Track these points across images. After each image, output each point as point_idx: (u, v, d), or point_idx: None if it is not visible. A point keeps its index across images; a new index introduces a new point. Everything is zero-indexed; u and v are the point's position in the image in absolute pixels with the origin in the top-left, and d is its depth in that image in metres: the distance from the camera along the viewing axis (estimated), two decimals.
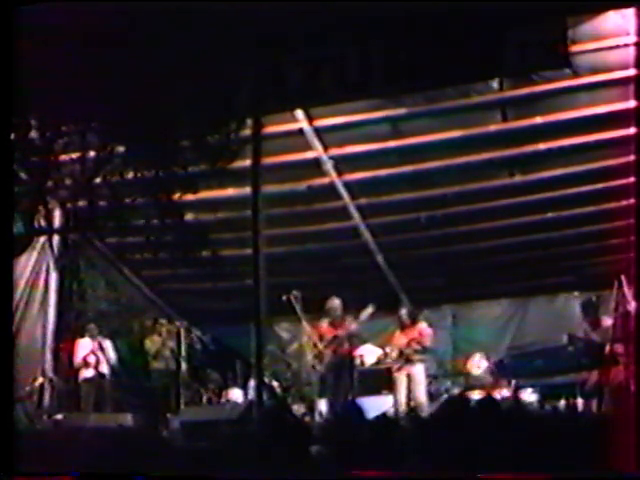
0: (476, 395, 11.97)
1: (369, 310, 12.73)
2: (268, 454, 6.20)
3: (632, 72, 10.81)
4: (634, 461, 5.53)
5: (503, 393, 12.77)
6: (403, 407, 12.24)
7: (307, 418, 12.59)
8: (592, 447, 5.48)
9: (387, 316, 14.24)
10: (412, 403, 12.31)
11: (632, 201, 11.85)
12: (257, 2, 9.25)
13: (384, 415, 8.76)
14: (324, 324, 12.91)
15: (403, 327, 12.85)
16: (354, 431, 6.53)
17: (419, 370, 12.58)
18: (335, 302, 12.89)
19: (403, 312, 12.94)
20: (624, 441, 5.59)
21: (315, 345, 12.78)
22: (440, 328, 14.09)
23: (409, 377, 12.52)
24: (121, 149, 10.50)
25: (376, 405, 11.60)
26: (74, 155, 10.71)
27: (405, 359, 12.58)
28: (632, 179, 11.61)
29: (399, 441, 6.32)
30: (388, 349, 13.35)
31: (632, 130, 11.14)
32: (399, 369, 12.64)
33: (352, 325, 12.76)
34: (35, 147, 10.20)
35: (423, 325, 12.89)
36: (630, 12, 9.81)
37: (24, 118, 9.86)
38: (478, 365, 13.82)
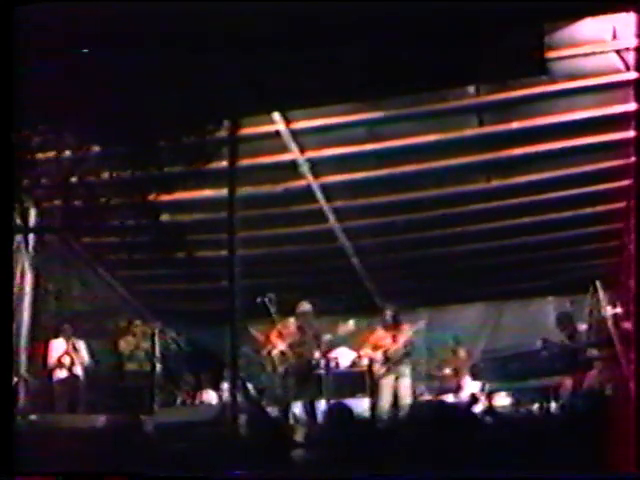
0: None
1: (349, 327, 12.77)
2: (245, 455, 6.20)
3: (608, 79, 10.94)
4: (634, 461, 5.55)
5: None
6: (386, 410, 12.18)
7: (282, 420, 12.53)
8: (592, 447, 5.50)
9: (362, 319, 14.26)
10: (392, 406, 12.25)
11: (607, 207, 12.00)
12: (235, 3, 9.24)
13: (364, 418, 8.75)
14: (291, 326, 12.88)
15: (387, 328, 12.79)
16: (329, 434, 6.53)
17: (405, 373, 12.54)
18: (306, 306, 12.86)
19: (388, 313, 12.87)
20: (622, 441, 5.61)
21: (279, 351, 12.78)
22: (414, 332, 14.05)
23: (396, 380, 12.46)
24: (97, 149, 10.47)
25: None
26: (50, 154, 10.67)
27: (392, 362, 12.53)
28: (609, 185, 11.75)
29: (382, 443, 6.32)
30: (363, 352, 13.28)
31: (610, 136, 11.27)
32: (386, 372, 12.56)
33: (326, 336, 12.75)
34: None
35: (406, 327, 12.84)
36: (607, 18, 9.92)
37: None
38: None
